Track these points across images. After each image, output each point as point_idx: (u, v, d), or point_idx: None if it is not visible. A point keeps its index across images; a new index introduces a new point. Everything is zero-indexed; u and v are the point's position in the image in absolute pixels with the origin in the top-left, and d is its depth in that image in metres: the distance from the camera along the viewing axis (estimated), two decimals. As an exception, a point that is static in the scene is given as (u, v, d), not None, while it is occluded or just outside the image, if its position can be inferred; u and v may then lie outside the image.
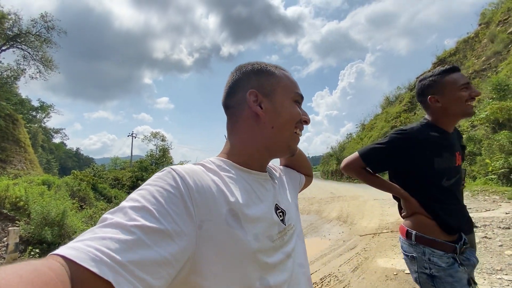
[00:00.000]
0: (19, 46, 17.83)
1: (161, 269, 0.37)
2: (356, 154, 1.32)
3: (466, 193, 7.05)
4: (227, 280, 0.46)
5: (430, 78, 1.28)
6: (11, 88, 20.68)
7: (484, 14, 16.00)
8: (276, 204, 0.63)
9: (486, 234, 4.09)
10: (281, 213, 0.63)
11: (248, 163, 0.62)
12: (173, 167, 0.49)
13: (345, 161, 1.35)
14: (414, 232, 1.21)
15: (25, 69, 18.57)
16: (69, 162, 55.08)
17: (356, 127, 29.17)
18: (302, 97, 0.68)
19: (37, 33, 17.87)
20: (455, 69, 1.25)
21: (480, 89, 10.94)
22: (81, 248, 0.33)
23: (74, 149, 65.01)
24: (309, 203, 9.96)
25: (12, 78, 19.13)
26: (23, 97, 29.31)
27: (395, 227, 5.40)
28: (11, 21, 16.92)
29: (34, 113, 33.93)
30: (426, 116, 1.34)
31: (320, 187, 16.90)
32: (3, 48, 17.43)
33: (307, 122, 0.68)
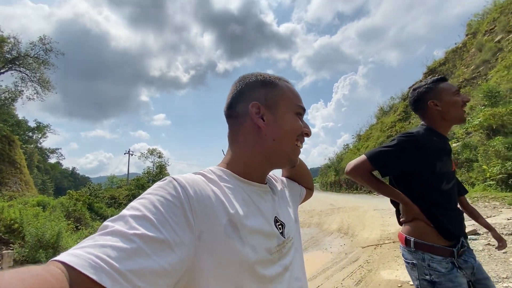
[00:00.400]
0: (18, 69, 18.06)
1: (159, 279, 0.37)
2: (363, 157, 1.28)
3: (466, 200, 7.02)
4: None
5: (426, 86, 1.34)
6: (8, 110, 20.74)
7: (470, 25, 16.60)
8: (276, 216, 0.63)
9: (489, 241, 4.04)
10: (280, 226, 0.62)
11: (248, 174, 0.63)
12: (174, 176, 0.50)
13: (351, 165, 1.30)
14: (412, 239, 1.21)
15: (23, 91, 18.75)
16: (64, 182, 54.41)
17: (353, 138, 29.35)
18: (304, 110, 0.68)
19: (36, 55, 18.17)
20: (444, 79, 1.35)
21: (471, 96, 11.16)
22: (81, 255, 0.33)
23: (70, 169, 64.43)
24: (309, 216, 9.84)
25: (9, 100, 19.24)
26: (20, 118, 29.36)
27: (397, 237, 5.31)
28: (10, 45, 17.24)
29: (30, 134, 33.86)
30: (423, 123, 1.37)
31: (319, 199, 16.75)
32: (2, 71, 17.63)
33: (308, 134, 0.68)
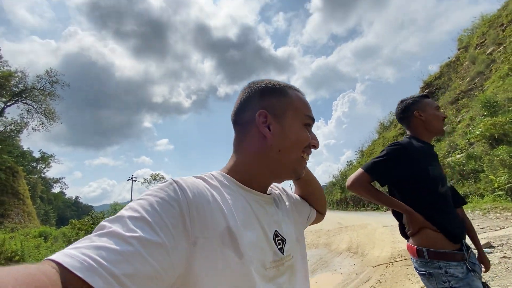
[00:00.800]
0: (24, 101, 18.60)
1: (152, 283, 0.37)
2: (360, 170, 1.34)
3: (476, 212, 6.83)
4: None
5: (412, 99, 1.49)
6: (13, 141, 21.09)
7: (461, 39, 17.11)
8: (276, 230, 0.60)
9: (505, 253, 3.88)
10: (280, 241, 0.60)
11: (250, 182, 0.61)
12: (175, 178, 0.49)
13: (351, 179, 1.35)
14: (424, 249, 1.20)
15: (28, 122, 19.18)
16: (67, 211, 53.88)
17: (355, 154, 29.22)
18: (313, 120, 0.66)
19: (42, 88, 18.78)
20: (428, 96, 1.52)
21: (470, 107, 11.23)
22: (76, 255, 0.33)
23: (73, 198, 64.08)
24: (317, 236, 9.56)
25: (15, 131, 19.63)
26: (25, 149, 29.71)
27: (409, 254, 5.12)
28: (17, 79, 17.91)
29: (34, 164, 34.08)
30: (408, 133, 1.49)
31: (326, 218, 16.06)
32: (8, 104, 18.17)
33: (315, 146, 0.66)
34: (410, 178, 1.28)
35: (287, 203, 0.73)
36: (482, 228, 5.38)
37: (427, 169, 1.28)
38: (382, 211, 14.17)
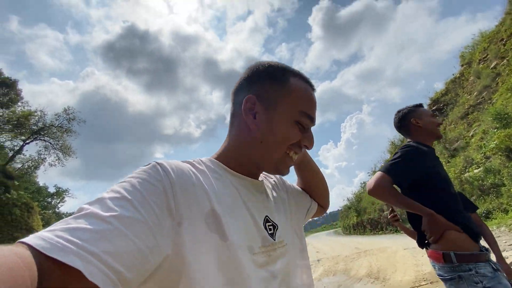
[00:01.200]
0: (42, 138, 19.47)
1: (137, 262, 0.35)
2: (379, 173, 1.32)
3: (502, 228, 6.40)
4: (203, 284, 0.42)
5: (408, 108, 1.58)
6: (30, 177, 21.76)
7: (463, 56, 17.30)
8: (267, 216, 0.57)
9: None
10: (271, 227, 0.57)
11: (239, 168, 0.58)
12: (158, 160, 0.47)
13: (372, 183, 1.31)
14: (452, 253, 1.16)
15: (46, 158, 19.89)
16: (80, 247, 53.20)
17: (369, 175, 28.47)
18: (311, 119, 0.59)
19: (59, 125, 19.74)
20: (422, 105, 1.62)
21: (481, 121, 11.04)
22: (49, 238, 0.30)
23: (86, 233, 63.60)
24: (334, 262, 9.07)
25: (32, 168, 20.34)
26: (41, 184, 30.47)
27: (433, 277, 4.77)
28: (36, 117, 18.96)
29: (49, 199, 34.67)
30: (409, 140, 1.53)
31: (343, 243, 15.60)
32: (27, 141, 19.07)
33: (307, 147, 0.61)
34: (426, 177, 1.30)
35: (283, 193, 0.70)
36: (510, 245, 5.02)
37: (438, 169, 1.31)
38: (402, 233, 13.43)
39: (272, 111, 0.56)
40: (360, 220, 23.19)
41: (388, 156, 26.37)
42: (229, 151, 0.60)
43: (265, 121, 0.56)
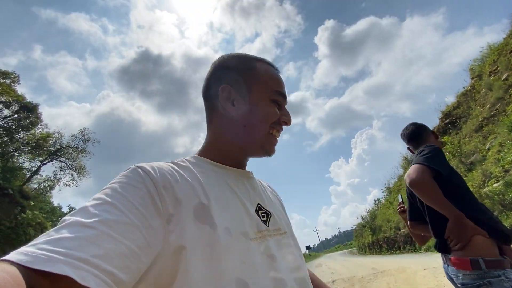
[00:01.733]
0: (59, 159, 20.07)
1: (129, 262, 0.34)
2: (418, 165, 1.27)
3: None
4: (201, 276, 0.41)
5: (416, 125, 1.64)
6: (45, 197, 22.22)
7: (473, 69, 17.14)
8: (259, 204, 0.58)
9: None
10: (264, 214, 0.57)
11: (223, 159, 0.59)
12: (138, 164, 0.48)
13: (413, 174, 1.26)
14: (481, 259, 1.10)
15: (61, 178, 20.36)
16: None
17: (382, 192, 27.63)
18: (284, 96, 0.63)
19: (75, 146, 20.37)
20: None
21: (497, 133, 10.73)
22: (32, 251, 0.29)
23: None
24: (350, 284, 8.65)
25: (47, 188, 20.81)
26: (55, 204, 31.02)
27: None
28: (54, 139, 19.67)
29: (62, 220, 35.01)
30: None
31: (358, 264, 14.91)
32: (44, 162, 19.68)
33: (287, 123, 0.63)
34: (452, 175, 1.31)
35: (277, 201, 0.71)
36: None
37: (457, 171, 1.35)
38: (421, 252, 12.77)
39: (248, 95, 0.59)
40: (375, 239, 22.25)
41: (401, 172, 25.64)
42: (212, 144, 0.61)
43: (244, 105, 0.58)
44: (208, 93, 0.63)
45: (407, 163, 25.14)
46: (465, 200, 1.24)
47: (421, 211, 1.44)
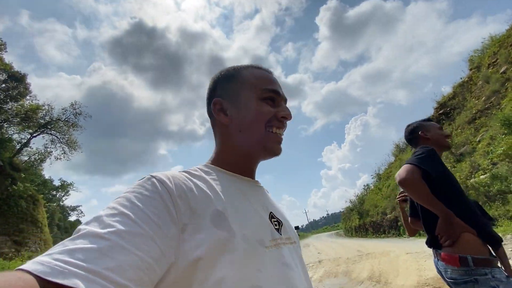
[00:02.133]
0: (49, 132, 19.68)
1: (142, 274, 0.34)
2: (409, 166, 1.32)
3: (508, 236, 6.33)
4: (217, 285, 0.41)
5: (417, 122, 1.69)
6: (36, 170, 22.03)
7: (472, 60, 17.04)
8: (271, 212, 0.59)
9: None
10: (276, 222, 0.58)
11: (233, 169, 0.60)
12: (153, 173, 0.48)
13: (403, 174, 1.31)
14: (469, 257, 1.16)
15: (52, 152, 20.10)
16: (83, 240, 53.74)
17: (372, 178, 28.30)
18: (276, 92, 0.62)
19: (66, 119, 19.91)
20: (431, 120, 1.72)
21: (489, 126, 10.90)
22: (47, 262, 0.30)
23: (89, 226, 64.25)
24: (335, 264, 9.06)
25: (38, 161, 20.58)
26: (46, 178, 30.86)
27: (436, 283, 4.74)
28: (44, 111, 19.15)
29: (54, 192, 35.11)
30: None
31: (345, 245, 15.55)
32: (34, 135, 19.29)
33: (286, 117, 0.62)
34: (444, 176, 1.34)
35: (281, 209, 0.70)
36: (517, 253, 4.96)
37: (452, 174, 1.37)
38: (405, 237, 13.35)
39: (237, 101, 0.61)
40: (362, 223, 23.08)
41: (392, 159, 26.16)
42: (220, 154, 0.64)
43: (235, 112, 0.61)
44: (208, 112, 0.66)
45: (399, 151, 25.58)
46: (457, 200, 1.28)
47: None
